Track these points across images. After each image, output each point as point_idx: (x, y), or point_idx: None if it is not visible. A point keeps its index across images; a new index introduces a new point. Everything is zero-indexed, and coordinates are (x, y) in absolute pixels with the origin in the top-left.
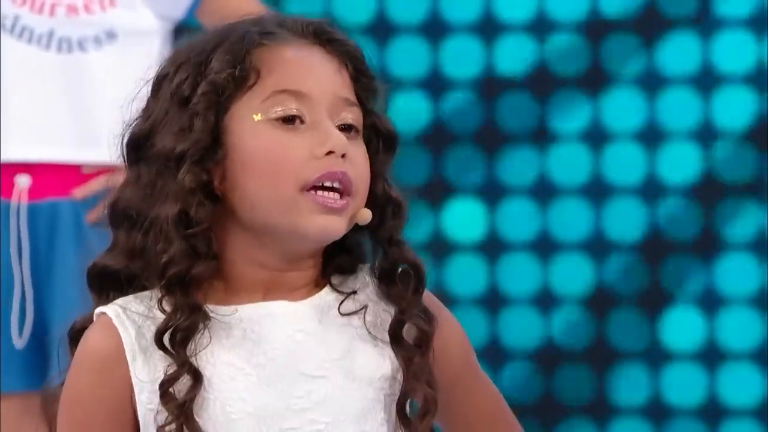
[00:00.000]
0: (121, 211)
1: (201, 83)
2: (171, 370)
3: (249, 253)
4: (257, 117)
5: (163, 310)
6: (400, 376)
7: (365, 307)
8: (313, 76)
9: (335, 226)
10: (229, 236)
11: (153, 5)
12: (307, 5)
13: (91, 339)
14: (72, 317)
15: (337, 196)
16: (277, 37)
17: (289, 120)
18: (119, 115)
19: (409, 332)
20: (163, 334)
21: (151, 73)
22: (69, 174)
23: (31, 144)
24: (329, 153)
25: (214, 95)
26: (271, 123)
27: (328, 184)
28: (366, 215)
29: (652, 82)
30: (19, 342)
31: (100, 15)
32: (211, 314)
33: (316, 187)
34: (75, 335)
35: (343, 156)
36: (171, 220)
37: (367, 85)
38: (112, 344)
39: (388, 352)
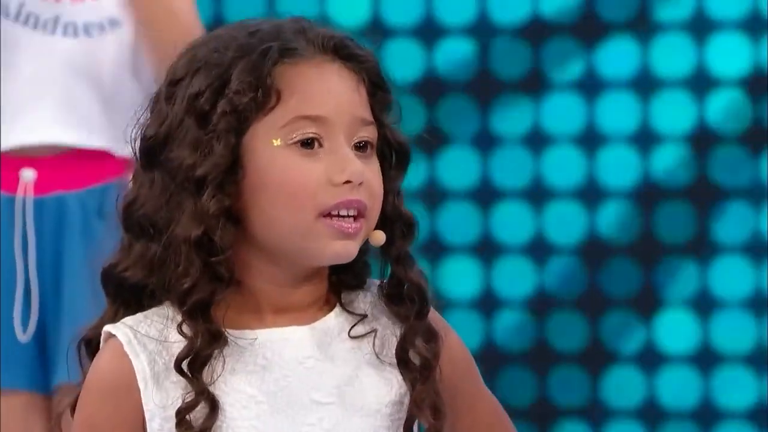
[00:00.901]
0: (137, 219)
1: (220, 101)
2: (188, 398)
3: (260, 271)
4: (277, 142)
5: (183, 335)
6: (407, 400)
7: (374, 331)
8: (333, 98)
9: (349, 250)
10: (241, 254)
11: None
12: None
13: (102, 365)
14: (80, 312)
15: (351, 220)
16: (297, 54)
17: (308, 144)
18: (126, 104)
19: (415, 354)
20: (183, 360)
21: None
22: (75, 167)
23: (36, 129)
24: (347, 182)
25: (234, 116)
26: (290, 148)
27: (343, 212)
28: (380, 238)
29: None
30: (23, 337)
31: (106, 1)
32: (229, 339)
33: (332, 214)
34: (86, 346)
35: (360, 183)
36: (192, 242)
37: (383, 98)
38: (123, 372)
39: (396, 375)
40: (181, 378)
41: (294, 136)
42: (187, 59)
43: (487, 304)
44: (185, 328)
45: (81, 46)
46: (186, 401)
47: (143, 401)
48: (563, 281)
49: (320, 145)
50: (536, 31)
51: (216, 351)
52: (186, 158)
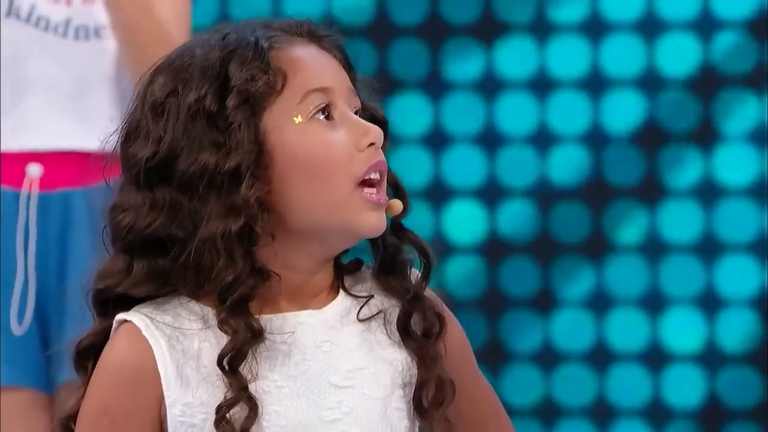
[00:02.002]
0: (140, 239)
1: (230, 96)
2: (228, 394)
3: (283, 259)
4: (298, 119)
5: (226, 331)
6: (414, 380)
7: (381, 312)
8: (329, 71)
9: (382, 222)
10: (267, 243)
11: None
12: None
13: (119, 350)
14: (84, 310)
15: (374, 190)
16: (281, 40)
17: (326, 115)
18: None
19: (417, 323)
20: (226, 357)
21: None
22: (81, 163)
23: (46, 134)
24: (370, 145)
25: (247, 105)
26: (311, 122)
27: (373, 176)
28: (398, 207)
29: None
30: (18, 330)
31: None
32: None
33: (364, 181)
34: (83, 353)
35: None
36: (234, 235)
37: (354, 75)
38: (143, 357)
39: (405, 357)
40: (201, 365)
41: (312, 109)
42: (167, 76)
43: (493, 302)
44: (226, 325)
45: (92, 49)
46: (227, 398)
47: (164, 387)
48: (566, 278)
49: (332, 117)
50: (542, 31)
51: (255, 347)
52: (206, 160)
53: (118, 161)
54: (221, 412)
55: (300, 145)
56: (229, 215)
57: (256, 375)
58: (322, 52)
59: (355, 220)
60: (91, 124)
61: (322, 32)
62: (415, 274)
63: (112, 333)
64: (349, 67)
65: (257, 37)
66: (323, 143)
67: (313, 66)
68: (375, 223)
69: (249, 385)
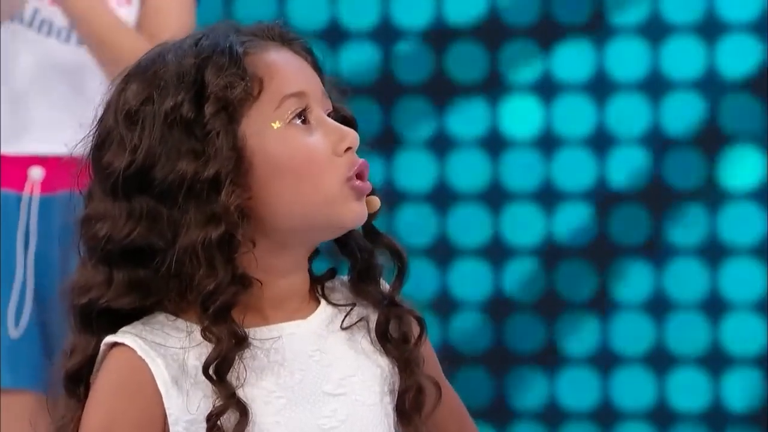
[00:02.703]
0: (119, 249)
1: (207, 102)
2: (217, 402)
3: (265, 263)
4: (276, 125)
5: (209, 339)
6: (397, 386)
7: (362, 319)
8: (303, 75)
9: (365, 210)
10: (248, 250)
11: None
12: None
13: (115, 370)
14: None
15: (360, 180)
16: (254, 45)
17: (303, 120)
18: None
19: (395, 330)
20: (211, 365)
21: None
22: (84, 166)
23: (50, 138)
24: (348, 149)
25: (225, 112)
26: (290, 127)
27: (357, 180)
28: (376, 203)
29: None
30: (14, 332)
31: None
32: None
33: (350, 178)
34: (73, 378)
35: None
36: (214, 243)
37: (324, 78)
38: (142, 375)
39: (387, 364)
40: (198, 381)
41: (289, 114)
42: (140, 83)
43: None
44: (209, 333)
45: None
46: (216, 406)
47: (166, 405)
48: (571, 281)
49: (308, 120)
50: (546, 33)
51: (240, 354)
52: (184, 168)
53: (89, 169)
54: (212, 420)
55: (281, 150)
56: (209, 223)
57: (244, 381)
58: (294, 56)
59: (339, 213)
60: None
61: (293, 35)
62: (384, 285)
63: (100, 356)
64: (319, 69)
65: (231, 42)
66: (304, 147)
67: (287, 70)
68: (359, 211)
69: (243, 394)
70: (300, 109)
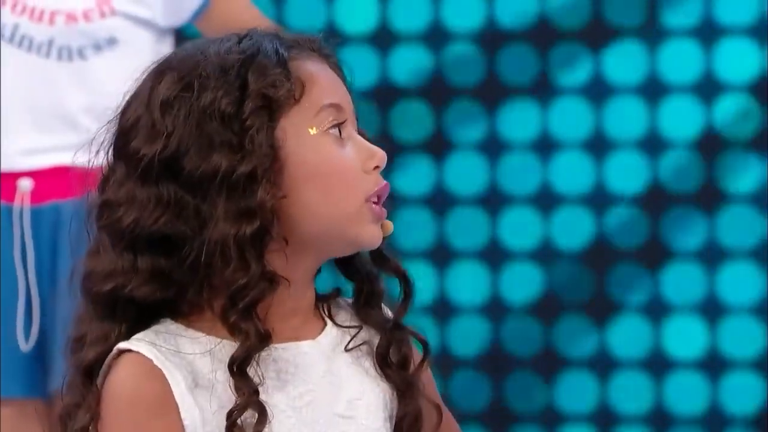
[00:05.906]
0: (147, 236)
1: (248, 99)
2: (239, 399)
3: (290, 265)
4: (313, 131)
5: (237, 334)
6: (395, 412)
7: (365, 343)
8: (341, 89)
9: (380, 234)
10: (278, 248)
11: (158, 11)
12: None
13: (130, 384)
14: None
15: (378, 205)
16: (297, 51)
17: (339, 131)
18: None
19: (395, 352)
20: (237, 361)
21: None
22: (70, 176)
23: (34, 152)
24: (376, 168)
25: (265, 111)
26: (325, 136)
27: (375, 199)
28: (390, 227)
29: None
30: (25, 346)
31: (99, 23)
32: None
33: (370, 198)
34: (88, 371)
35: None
36: (248, 238)
37: (353, 97)
38: (158, 388)
39: (387, 390)
40: (214, 392)
41: (327, 123)
42: (179, 72)
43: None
44: (237, 330)
45: (76, 70)
46: (237, 403)
47: (182, 416)
48: (569, 285)
49: (342, 134)
50: (543, 35)
51: (263, 352)
52: (218, 161)
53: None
54: (233, 417)
55: (314, 156)
56: (242, 218)
57: (263, 378)
58: (332, 71)
59: (358, 232)
60: (78, 143)
61: (330, 51)
62: (385, 309)
63: (108, 360)
64: (349, 89)
65: (276, 45)
66: (337, 158)
67: (327, 82)
68: (376, 234)
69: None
70: (337, 122)
